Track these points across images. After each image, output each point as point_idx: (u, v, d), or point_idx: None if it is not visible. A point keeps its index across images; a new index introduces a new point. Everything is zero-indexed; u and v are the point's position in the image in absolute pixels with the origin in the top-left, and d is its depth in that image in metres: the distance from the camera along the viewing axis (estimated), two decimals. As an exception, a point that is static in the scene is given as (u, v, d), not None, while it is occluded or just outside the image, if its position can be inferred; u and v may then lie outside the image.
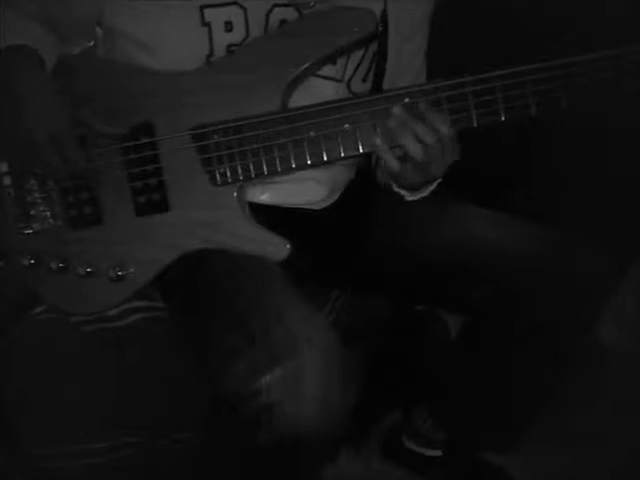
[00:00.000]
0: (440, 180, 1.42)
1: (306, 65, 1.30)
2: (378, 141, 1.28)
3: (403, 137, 1.26)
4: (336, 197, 1.52)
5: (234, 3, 1.31)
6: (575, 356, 1.51)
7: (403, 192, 1.44)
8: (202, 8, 1.30)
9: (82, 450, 1.44)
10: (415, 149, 1.26)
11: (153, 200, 1.33)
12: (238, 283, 1.29)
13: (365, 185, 1.56)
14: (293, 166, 1.30)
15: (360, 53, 1.40)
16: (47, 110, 1.27)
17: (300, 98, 1.33)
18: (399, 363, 1.82)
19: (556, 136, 1.88)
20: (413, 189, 1.43)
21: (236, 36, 1.32)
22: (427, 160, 1.27)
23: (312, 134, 1.29)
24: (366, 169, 1.55)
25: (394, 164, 1.29)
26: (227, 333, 1.23)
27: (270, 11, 1.33)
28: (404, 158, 1.29)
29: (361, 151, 1.29)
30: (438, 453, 1.75)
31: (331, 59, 1.35)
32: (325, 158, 1.30)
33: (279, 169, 1.31)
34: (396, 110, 1.27)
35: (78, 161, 1.29)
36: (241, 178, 1.31)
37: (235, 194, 1.33)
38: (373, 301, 1.67)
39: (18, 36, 1.28)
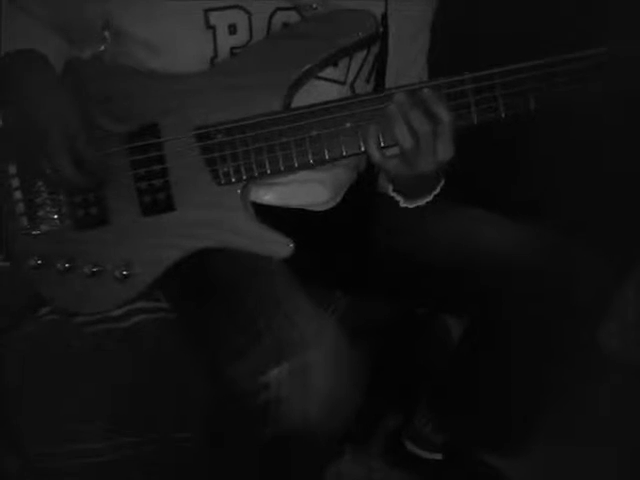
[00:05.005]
0: (436, 192, 1.44)
1: (307, 67, 1.32)
2: (371, 129, 1.28)
3: (396, 123, 1.26)
4: (339, 199, 1.53)
5: (238, 7, 1.33)
6: (576, 358, 1.51)
7: (398, 197, 1.45)
8: (207, 11, 1.32)
9: (83, 450, 1.44)
10: (404, 136, 1.25)
11: (158, 200, 1.35)
12: (243, 281, 1.30)
13: (368, 187, 1.57)
14: (296, 165, 1.32)
15: (362, 55, 1.41)
16: (60, 110, 1.29)
17: (303, 101, 1.34)
18: (400, 365, 1.82)
19: (557, 139, 1.89)
20: (410, 195, 1.44)
21: (240, 39, 1.35)
22: (416, 151, 1.26)
23: (314, 133, 1.30)
24: (368, 171, 1.57)
25: (376, 154, 1.29)
26: (234, 331, 1.24)
27: (273, 14, 1.35)
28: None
29: (363, 149, 1.30)
30: (439, 456, 1.75)
31: (333, 61, 1.37)
32: (327, 157, 1.31)
33: (282, 168, 1.32)
34: (399, 97, 1.26)
35: (93, 161, 1.31)
36: (244, 177, 1.33)
37: (239, 193, 1.34)
38: (375, 303, 1.68)
39: (27, 40, 1.30)
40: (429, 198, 1.45)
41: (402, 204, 1.46)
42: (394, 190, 1.45)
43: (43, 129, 1.29)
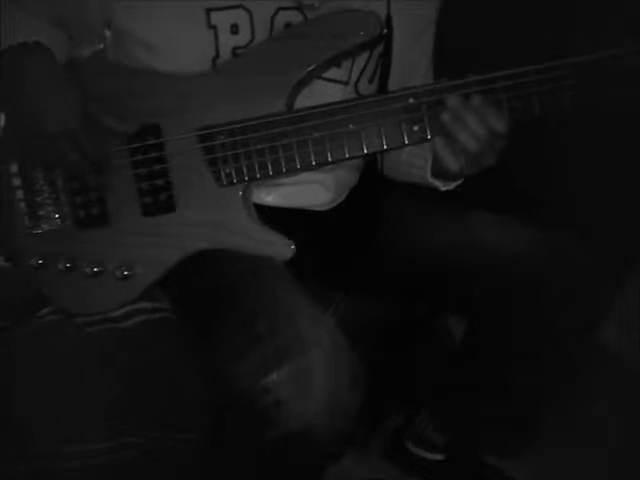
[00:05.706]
0: None
1: (310, 68, 1.32)
2: (440, 142, 1.29)
3: (459, 130, 1.26)
4: (341, 199, 1.53)
5: (239, 6, 1.33)
6: (576, 359, 1.52)
7: (438, 183, 1.46)
8: (208, 11, 1.32)
9: (83, 450, 1.43)
10: (469, 142, 1.26)
11: (159, 200, 1.35)
12: (245, 283, 1.30)
13: (369, 187, 1.57)
14: (298, 167, 1.32)
15: (365, 56, 1.41)
16: (62, 103, 1.28)
17: (306, 101, 1.34)
18: (401, 366, 1.82)
19: (558, 139, 1.89)
20: (449, 179, 1.44)
21: (242, 39, 1.34)
22: (481, 152, 1.28)
23: (317, 135, 1.30)
24: (370, 171, 1.57)
25: (452, 162, 1.30)
26: (234, 332, 1.23)
27: (275, 14, 1.34)
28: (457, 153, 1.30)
29: (366, 152, 1.30)
30: (440, 457, 1.75)
31: (336, 62, 1.36)
32: (330, 158, 1.31)
33: (284, 169, 1.32)
34: (452, 100, 1.27)
35: (94, 155, 1.30)
36: (246, 178, 1.33)
37: (240, 194, 1.34)
38: (376, 303, 1.68)
39: (29, 34, 1.29)
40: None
41: (442, 188, 1.47)
42: (433, 177, 1.46)
43: (45, 122, 1.27)
